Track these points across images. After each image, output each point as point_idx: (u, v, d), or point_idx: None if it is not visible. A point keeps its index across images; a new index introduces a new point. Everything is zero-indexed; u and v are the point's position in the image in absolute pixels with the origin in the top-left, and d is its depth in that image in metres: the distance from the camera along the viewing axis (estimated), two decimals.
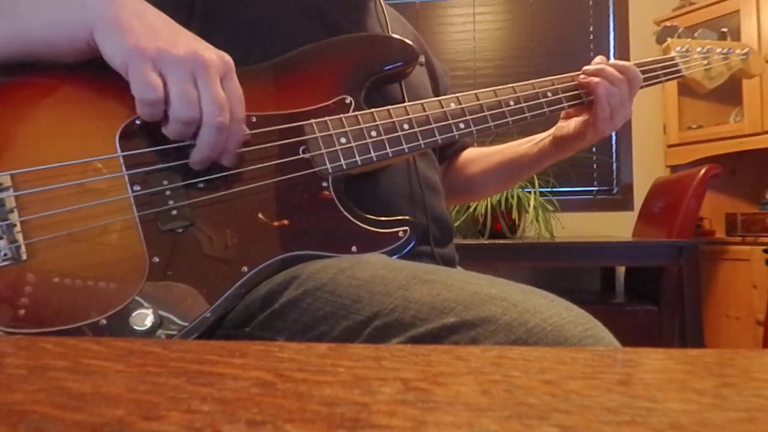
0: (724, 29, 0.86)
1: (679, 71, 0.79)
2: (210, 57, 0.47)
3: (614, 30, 2.59)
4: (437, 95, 0.72)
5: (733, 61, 0.85)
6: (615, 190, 2.58)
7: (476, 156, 0.89)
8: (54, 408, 0.15)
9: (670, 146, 2.44)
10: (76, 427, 0.14)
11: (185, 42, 0.47)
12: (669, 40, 0.83)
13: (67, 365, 0.20)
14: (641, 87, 0.74)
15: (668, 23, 2.34)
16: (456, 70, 2.64)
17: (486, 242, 1.84)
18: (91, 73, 0.50)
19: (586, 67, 0.72)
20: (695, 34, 0.84)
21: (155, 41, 0.46)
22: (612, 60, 0.74)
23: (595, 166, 2.55)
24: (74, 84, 0.50)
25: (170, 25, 0.48)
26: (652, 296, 1.79)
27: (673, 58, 0.80)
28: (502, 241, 1.93)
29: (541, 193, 2.25)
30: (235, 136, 0.49)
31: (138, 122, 0.49)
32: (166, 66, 0.46)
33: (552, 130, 0.79)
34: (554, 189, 2.42)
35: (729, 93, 2.15)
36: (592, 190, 2.58)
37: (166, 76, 0.46)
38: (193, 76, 0.46)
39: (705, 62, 0.82)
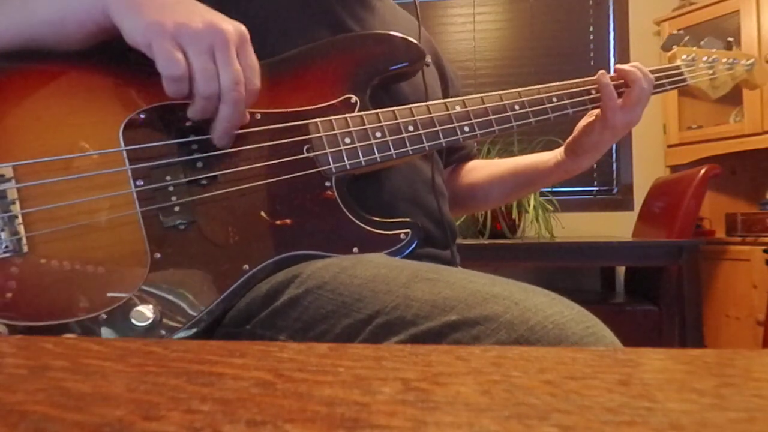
0: (731, 39, 0.86)
1: (684, 80, 0.79)
2: (227, 29, 0.47)
3: (614, 30, 2.59)
4: (446, 98, 0.72)
5: (737, 71, 0.84)
6: (615, 190, 2.58)
7: (483, 164, 0.88)
8: (54, 408, 0.15)
9: (670, 146, 2.44)
10: (76, 427, 0.14)
11: (202, 15, 0.47)
12: (675, 48, 0.82)
13: (67, 365, 0.20)
14: None
15: (666, 28, 2.33)
16: (456, 70, 2.63)
17: (486, 242, 1.84)
18: (95, 65, 0.50)
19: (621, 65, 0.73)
20: (701, 43, 0.83)
21: (172, 16, 0.46)
22: (612, 63, 0.74)
23: (595, 165, 2.54)
24: (79, 76, 0.50)
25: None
26: (652, 296, 1.79)
27: (678, 67, 0.79)
28: (502, 241, 1.93)
29: (541, 193, 2.25)
30: (247, 106, 0.50)
31: (142, 116, 0.50)
32: (186, 40, 0.46)
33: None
34: (554, 189, 2.42)
35: (729, 93, 2.15)
36: (592, 190, 2.58)
37: (187, 50, 0.46)
38: (211, 49, 0.47)
39: (710, 72, 0.82)
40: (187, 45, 0.46)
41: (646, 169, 2.52)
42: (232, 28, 0.48)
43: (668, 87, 0.78)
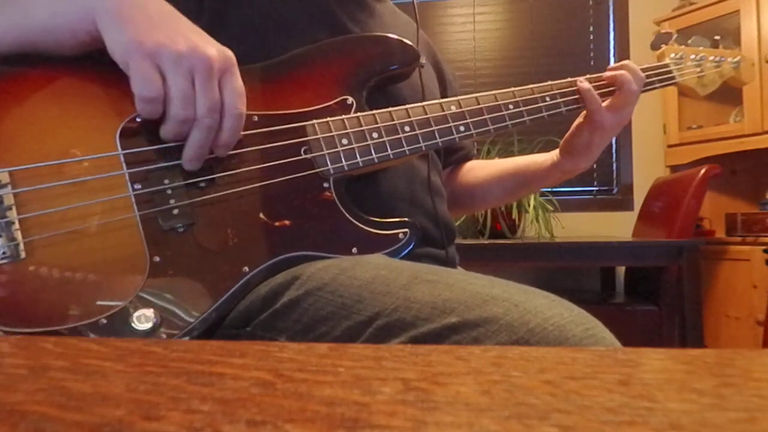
0: (717, 37, 0.87)
1: (673, 78, 0.81)
2: (211, 53, 0.46)
3: (614, 30, 2.59)
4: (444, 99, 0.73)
5: (725, 68, 0.86)
6: (615, 190, 2.58)
7: (482, 164, 0.88)
8: (54, 408, 0.15)
9: (670, 146, 2.44)
10: (76, 427, 0.14)
11: (186, 36, 0.46)
12: (664, 46, 0.84)
13: (67, 365, 0.20)
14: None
15: (666, 28, 2.34)
16: (456, 70, 2.62)
17: (486, 242, 1.84)
18: (91, 68, 0.50)
19: (611, 66, 0.74)
20: (689, 42, 0.85)
21: (155, 35, 0.45)
22: (612, 63, 0.74)
23: (595, 166, 2.54)
24: (75, 79, 0.49)
25: (172, 17, 0.48)
26: (652, 296, 1.79)
27: (667, 65, 0.81)
28: (502, 241, 1.93)
29: (541, 193, 2.25)
30: (231, 131, 0.49)
31: (139, 119, 0.49)
32: (165, 62, 0.45)
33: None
34: (554, 189, 2.42)
35: (729, 93, 2.14)
36: (592, 190, 2.58)
37: (165, 72, 0.45)
38: (191, 73, 0.46)
39: (698, 69, 0.84)
40: (166, 67, 0.45)
41: (646, 169, 2.52)
42: (216, 52, 0.47)
43: (658, 85, 0.79)
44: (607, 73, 0.73)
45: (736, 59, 0.86)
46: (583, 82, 0.70)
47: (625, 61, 0.74)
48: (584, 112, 0.73)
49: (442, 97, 0.77)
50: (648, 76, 0.76)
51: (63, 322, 0.43)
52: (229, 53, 0.49)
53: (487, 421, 0.14)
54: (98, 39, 0.47)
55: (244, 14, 0.61)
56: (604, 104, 0.71)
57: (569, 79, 0.71)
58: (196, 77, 0.46)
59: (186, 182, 0.49)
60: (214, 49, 0.47)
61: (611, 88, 0.72)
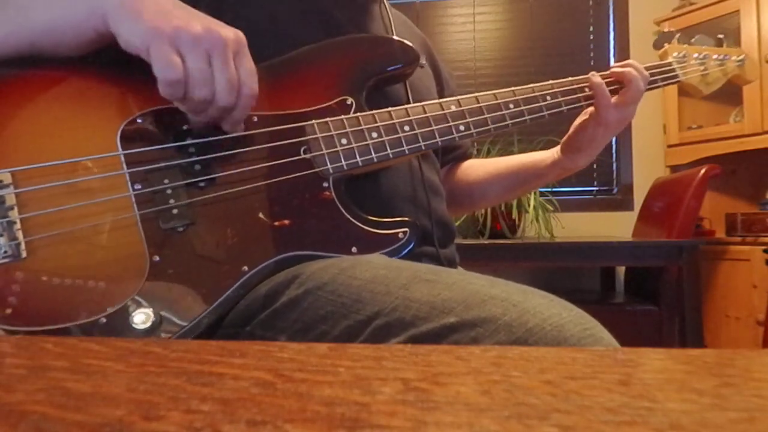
0: (721, 35, 0.87)
1: (676, 76, 0.80)
2: (225, 34, 0.48)
3: (614, 30, 2.59)
4: (442, 98, 0.73)
5: (729, 67, 0.86)
6: (615, 190, 2.58)
7: (480, 163, 0.88)
8: (54, 408, 0.15)
9: (670, 146, 2.44)
10: (76, 427, 0.14)
11: (200, 20, 0.48)
12: (666, 45, 0.83)
13: (67, 365, 0.20)
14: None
15: (666, 28, 2.34)
16: (456, 70, 2.64)
17: (486, 242, 1.84)
18: (92, 70, 0.50)
19: (616, 64, 0.74)
20: (692, 40, 0.85)
21: (171, 21, 0.46)
22: (612, 63, 0.74)
23: (595, 166, 2.55)
24: (76, 81, 0.50)
25: (182, 6, 0.49)
26: (652, 296, 1.79)
27: (670, 64, 0.81)
28: (502, 241, 1.93)
29: (541, 193, 2.25)
30: (244, 109, 0.50)
31: (139, 120, 0.50)
32: (184, 44, 0.46)
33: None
34: (554, 189, 2.42)
35: (729, 93, 2.14)
36: (592, 190, 2.58)
37: (185, 54, 0.46)
38: (208, 54, 0.47)
39: (702, 68, 0.83)
40: (185, 49, 0.46)
41: (646, 169, 2.52)
42: (231, 33, 0.49)
43: (661, 84, 0.79)
44: (614, 70, 0.73)
45: (740, 57, 0.86)
46: (596, 77, 0.71)
47: (630, 60, 0.74)
48: (587, 110, 0.73)
49: (440, 97, 0.77)
50: (651, 75, 0.76)
51: (63, 320, 0.43)
52: (241, 35, 0.50)
53: (487, 421, 0.14)
54: (105, 35, 0.47)
55: (241, 16, 0.61)
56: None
57: (570, 78, 0.71)
58: (213, 58, 0.47)
59: (186, 182, 0.50)
60: (228, 30, 0.49)
61: (616, 86, 0.72)
